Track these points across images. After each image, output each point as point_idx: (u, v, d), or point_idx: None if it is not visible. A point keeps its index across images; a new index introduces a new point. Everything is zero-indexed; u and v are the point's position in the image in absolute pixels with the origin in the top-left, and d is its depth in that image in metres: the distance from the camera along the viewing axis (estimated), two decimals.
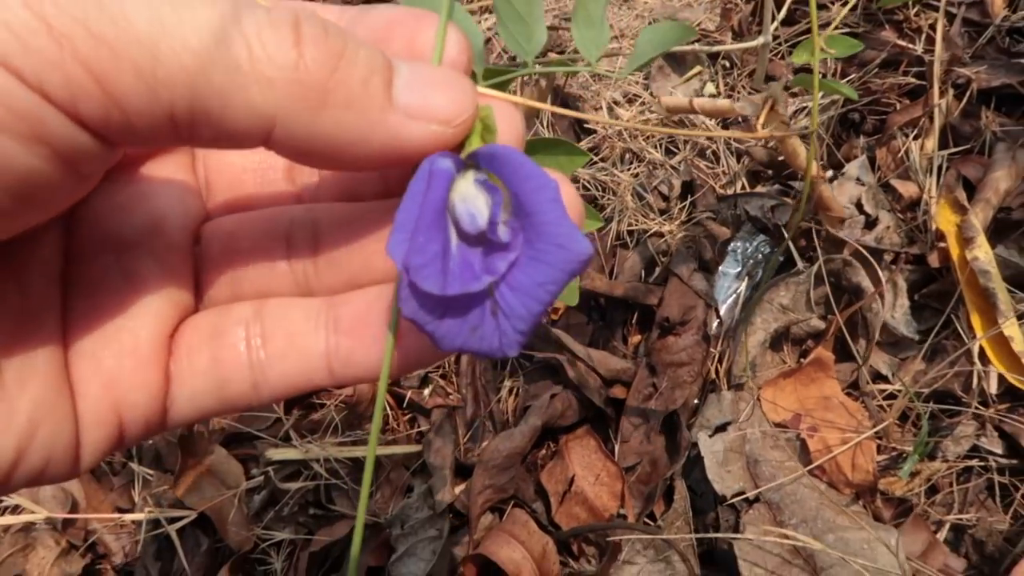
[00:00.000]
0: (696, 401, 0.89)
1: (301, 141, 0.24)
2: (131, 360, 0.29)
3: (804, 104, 1.10)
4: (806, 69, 1.10)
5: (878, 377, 0.87)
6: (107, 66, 0.21)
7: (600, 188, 1.08)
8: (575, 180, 1.08)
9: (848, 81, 1.12)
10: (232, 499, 0.94)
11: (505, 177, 0.26)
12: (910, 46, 1.14)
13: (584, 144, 1.14)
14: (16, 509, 0.97)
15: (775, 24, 1.01)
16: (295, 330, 0.30)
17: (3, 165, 0.21)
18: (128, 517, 0.96)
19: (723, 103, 0.84)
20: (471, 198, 0.27)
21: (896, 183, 0.98)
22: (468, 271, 0.26)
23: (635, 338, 0.97)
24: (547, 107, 0.39)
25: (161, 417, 0.30)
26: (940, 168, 0.97)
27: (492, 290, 0.27)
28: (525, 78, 1.20)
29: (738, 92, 1.14)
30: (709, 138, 1.10)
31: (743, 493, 0.79)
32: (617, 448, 0.86)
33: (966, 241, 0.86)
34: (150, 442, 1.03)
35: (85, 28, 0.20)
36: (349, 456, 0.93)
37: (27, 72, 0.20)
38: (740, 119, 1.13)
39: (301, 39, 0.23)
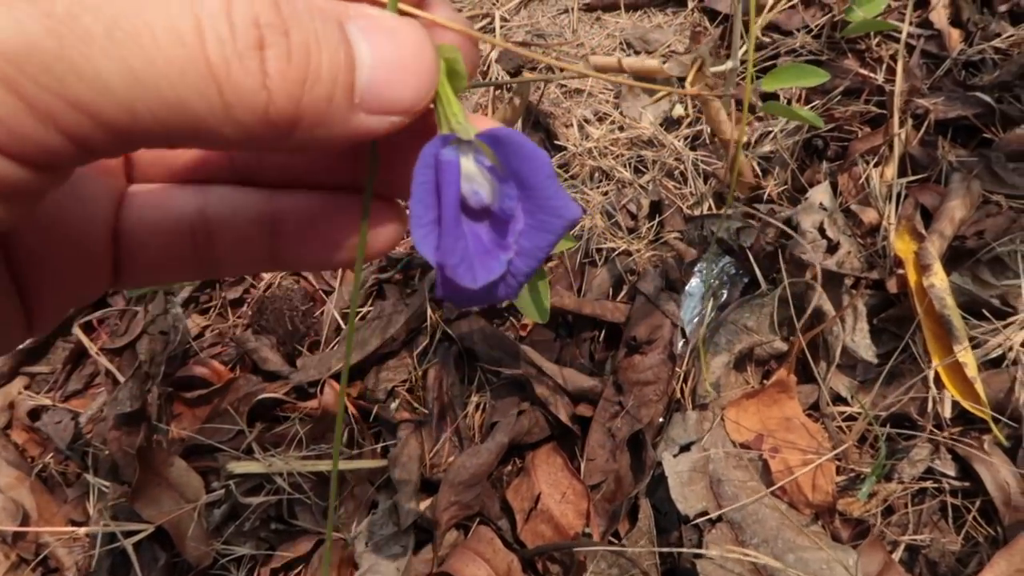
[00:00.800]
0: (661, 420, 0.90)
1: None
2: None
3: (769, 128, 1.13)
4: (773, 96, 1.13)
5: (838, 399, 0.89)
6: (85, 130, 0.21)
7: None
8: None
9: (812, 107, 1.15)
10: (191, 513, 0.92)
11: (505, 157, 0.28)
12: (871, 75, 1.17)
13: (554, 161, 1.15)
14: None
15: (743, 49, 1.03)
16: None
17: None
18: (82, 531, 0.94)
19: (652, 62, 0.85)
20: (475, 179, 0.29)
21: (857, 209, 1.01)
22: (485, 251, 0.29)
23: (602, 355, 0.98)
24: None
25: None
26: (899, 195, 1.00)
27: None
28: (498, 94, 1.21)
29: (704, 116, 1.16)
30: (677, 159, 1.12)
31: (706, 513, 0.80)
32: (583, 466, 0.87)
33: (923, 268, 0.89)
34: (106, 452, 1.01)
35: (62, 98, 0.20)
36: (313, 470, 0.92)
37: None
38: (707, 139, 1.15)
39: (268, 73, 0.23)
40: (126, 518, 0.94)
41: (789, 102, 1.16)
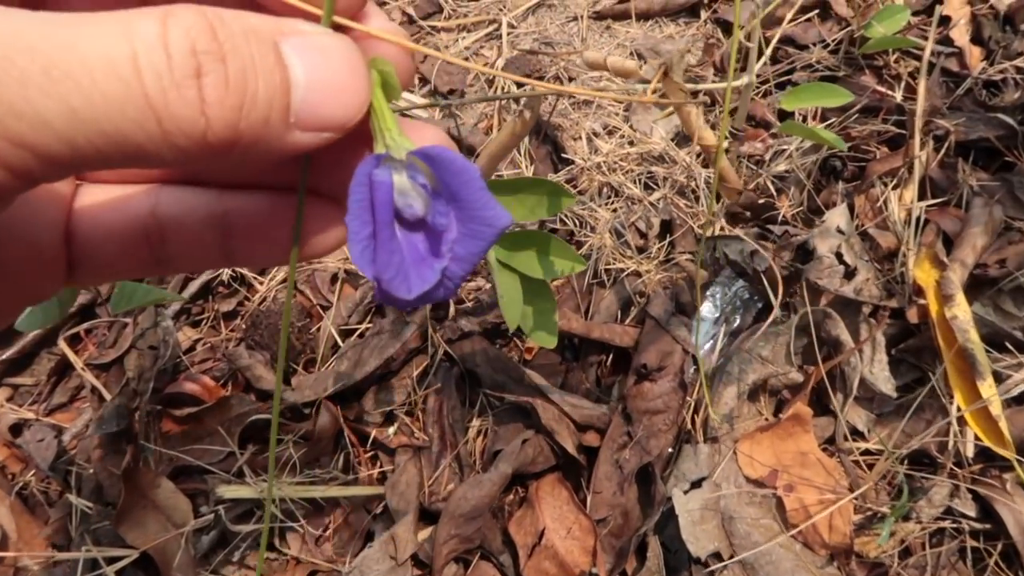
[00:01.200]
0: (671, 451, 0.87)
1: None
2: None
3: (784, 146, 1.09)
4: (790, 114, 1.10)
5: (855, 433, 0.86)
6: (27, 164, 0.22)
7: (578, 223, 1.05)
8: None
9: (828, 126, 1.11)
10: (178, 539, 0.88)
11: (437, 172, 0.30)
12: (890, 93, 1.14)
13: (562, 175, 1.12)
14: None
15: (760, 62, 0.99)
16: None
17: None
18: (63, 556, 0.90)
19: (630, 64, 0.82)
20: (409, 194, 0.30)
21: (874, 233, 0.98)
22: (420, 260, 0.31)
23: (609, 380, 0.95)
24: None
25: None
26: (918, 220, 0.97)
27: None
28: (505, 106, 1.17)
29: (718, 130, 1.12)
30: (689, 176, 1.08)
31: (717, 553, 0.76)
32: (589, 499, 0.83)
33: (945, 298, 0.86)
34: (90, 471, 0.97)
35: (3, 138, 0.21)
36: (306, 497, 0.89)
37: None
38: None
39: (205, 100, 0.23)
40: (110, 542, 0.90)
41: (804, 119, 1.13)
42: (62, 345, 1.07)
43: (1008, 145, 1.03)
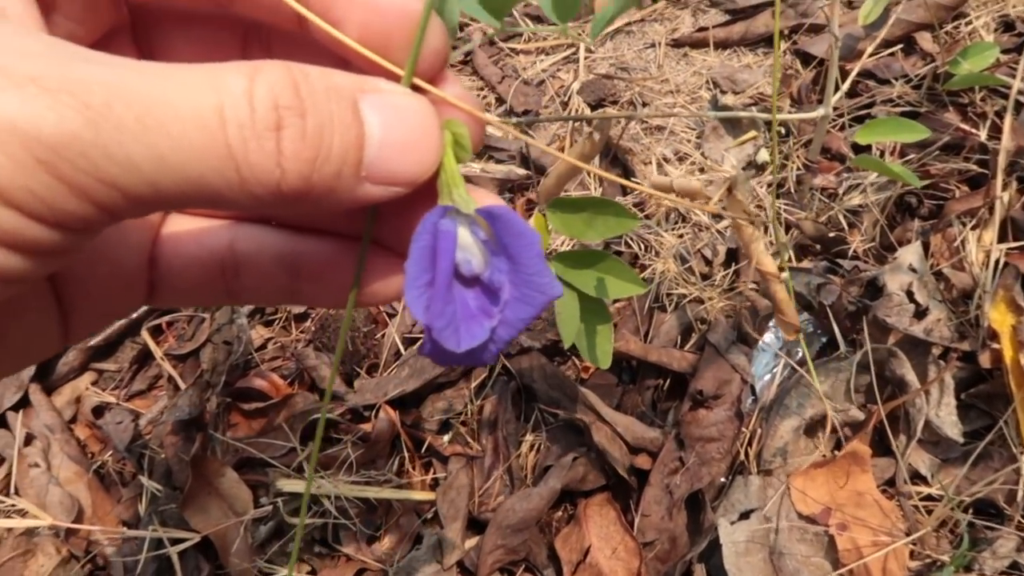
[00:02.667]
0: (723, 480, 0.86)
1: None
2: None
3: (859, 180, 1.08)
4: (865, 148, 1.08)
5: (916, 477, 0.84)
6: (115, 202, 0.23)
7: (643, 246, 1.06)
8: (618, 237, 1.06)
9: (906, 162, 1.09)
10: (237, 526, 0.92)
11: (499, 231, 0.31)
12: (973, 131, 1.11)
13: (629, 199, 1.12)
14: (22, 513, 0.96)
15: (837, 95, 0.98)
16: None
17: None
18: (131, 533, 0.95)
19: (695, 184, 0.81)
20: (469, 249, 0.31)
21: (949, 273, 0.95)
22: (471, 317, 0.32)
23: (665, 405, 0.95)
24: (589, 167, 0.37)
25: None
26: (997, 262, 0.94)
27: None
28: (576, 125, 1.19)
29: (792, 161, 1.11)
30: (759, 206, 1.07)
31: None
32: (637, 521, 0.83)
33: (1021, 344, 0.83)
34: (162, 456, 1.02)
35: (95, 178, 0.22)
36: (360, 496, 0.91)
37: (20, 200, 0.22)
38: (792, 188, 1.10)
39: (282, 152, 0.25)
40: (175, 524, 0.95)
41: (882, 154, 1.11)
42: (145, 336, 1.14)
43: None
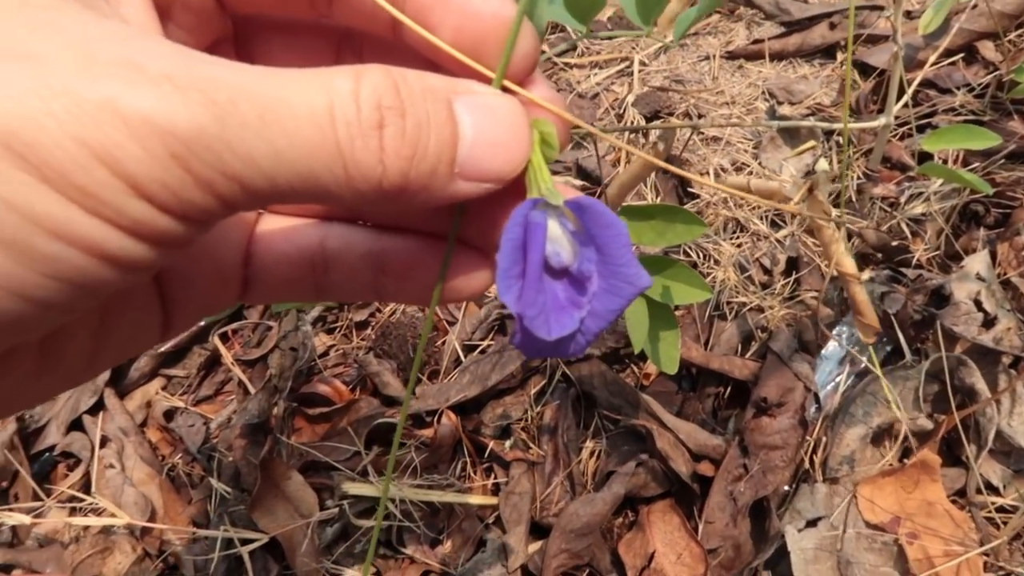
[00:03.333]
0: (787, 488, 0.86)
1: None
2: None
3: (922, 189, 1.07)
4: (929, 155, 1.07)
5: (989, 487, 0.82)
6: (234, 195, 0.25)
7: (702, 255, 1.06)
8: (677, 247, 1.07)
9: (971, 170, 1.08)
10: (304, 528, 0.94)
11: (587, 222, 0.31)
12: None
13: (688, 208, 1.13)
14: (99, 512, 1.00)
15: (899, 105, 0.98)
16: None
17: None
18: (203, 533, 0.98)
19: (773, 184, 0.81)
20: (558, 241, 0.32)
21: (1018, 282, 0.94)
22: (560, 307, 0.33)
23: (725, 413, 0.95)
24: (664, 166, 0.38)
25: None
26: None
27: None
28: (633, 139, 1.20)
29: (853, 171, 1.11)
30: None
31: None
32: (701, 528, 0.83)
33: None
34: (230, 459, 1.05)
35: (220, 171, 0.24)
36: (425, 500, 0.93)
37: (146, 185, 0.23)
38: (853, 197, 1.10)
39: (384, 150, 0.26)
40: (243, 524, 0.97)
41: (945, 163, 1.10)
42: (215, 342, 1.17)
43: None
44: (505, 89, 0.32)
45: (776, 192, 0.71)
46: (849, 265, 0.69)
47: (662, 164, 0.47)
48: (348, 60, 0.38)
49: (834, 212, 1.04)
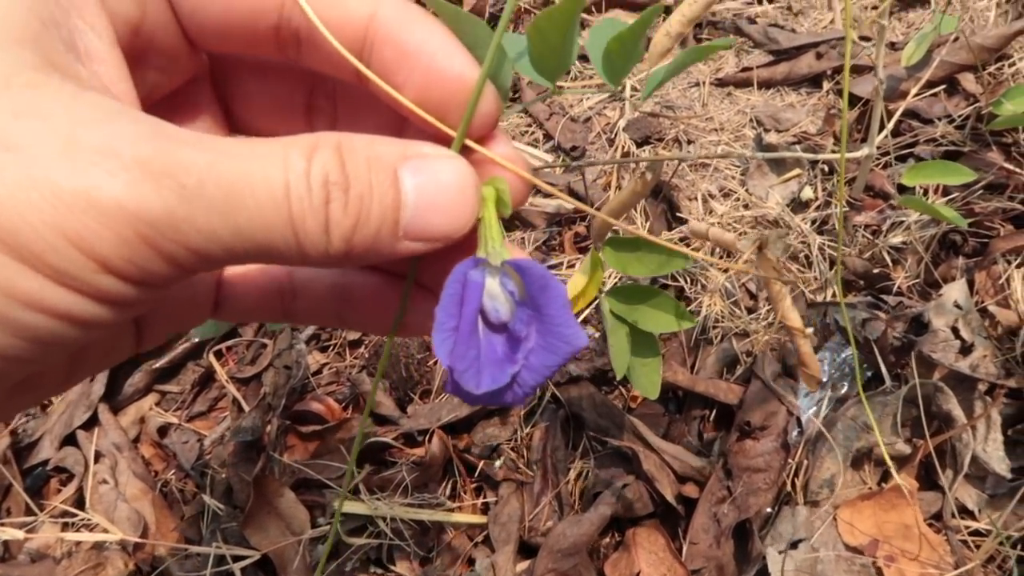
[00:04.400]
0: (769, 510, 0.88)
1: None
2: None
3: (903, 218, 1.10)
4: (911, 187, 1.10)
5: (964, 512, 0.85)
6: (193, 263, 0.27)
7: (689, 280, 1.08)
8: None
9: (950, 200, 1.11)
10: (296, 545, 0.96)
11: (527, 283, 0.33)
12: (1017, 171, 1.12)
13: (675, 234, 1.16)
14: (91, 527, 1.01)
15: (881, 135, 1.01)
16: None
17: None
18: (196, 549, 0.99)
19: (729, 237, 0.84)
20: (497, 298, 0.33)
21: (995, 310, 0.97)
22: (495, 362, 0.34)
23: (711, 435, 0.97)
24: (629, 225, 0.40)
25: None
26: None
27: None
28: (631, 168, 1.23)
29: (835, 199, 1.14)
30: (803, 242, 1.10)
31: None
32: (685, 549, 0.85)
33: None
34: (223, 475, 1.06)
35: (183, 247, 0.26)
36: (415, 518, 0.94)
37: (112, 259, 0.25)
38: (834, 224, 1.13)
39: (330, 222, 0.29)
40: (235, 541, 0.99)
41: (926, 193, 1.13)
42: (210, 359, 1.19)
43: None
44: (466, 147, 0.34)
45: (731, 244, 0.74)
46: (795, 320, 0.72)
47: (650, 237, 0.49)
48: (320, 102, 0.40)
49: (813, 239, 1.07)
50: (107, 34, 0.31)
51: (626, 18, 1.51)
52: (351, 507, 0.96)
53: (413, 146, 0.32)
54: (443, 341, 0.32)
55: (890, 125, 1.06)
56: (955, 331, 0.93)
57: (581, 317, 1.10)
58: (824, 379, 0.95)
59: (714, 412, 0.98)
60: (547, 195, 1.30)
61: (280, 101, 0.40)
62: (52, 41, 0.27)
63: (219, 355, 1.23)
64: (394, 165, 0.31)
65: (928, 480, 0.88)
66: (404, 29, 0.33)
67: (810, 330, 0.77)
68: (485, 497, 0.98)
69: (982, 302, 0.99)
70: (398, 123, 0.39)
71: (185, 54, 0.37)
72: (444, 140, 0.34)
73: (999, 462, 0.83)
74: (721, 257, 1.12)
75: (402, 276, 0.39)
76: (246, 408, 1.10)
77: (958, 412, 0.86)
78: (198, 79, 0.39)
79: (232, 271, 0.40)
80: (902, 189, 1.14)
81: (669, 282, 1.09)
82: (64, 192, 0.24)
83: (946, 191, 1.14)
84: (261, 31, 0.35)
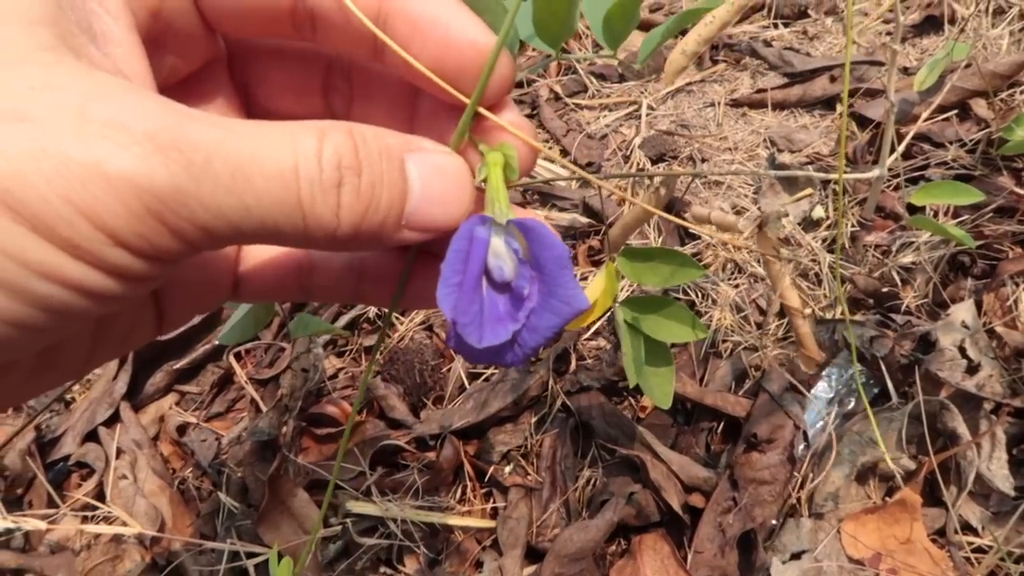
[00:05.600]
0: (774, 522, 0.89)
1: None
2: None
3: (912, 239, 1.11)
4: (920, 209, 1.12)
5: (967, 528, 0.85)
6: (202, 240, 0.28)
7: (701, 295, 1.10)
8: (677, 286, 1.11)
9: (960, 223, 1.12)
10: (308, 544, 0.98)
11: (532, 243, 0.34)
12: None
13: (688, 249, 1.18)
14: (111, 520, 1.04)
15: (892, 157, 1.03)
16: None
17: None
18: (211, 545, 1.01)
19: (731, 218, 0.85)
20: (502, 256, 0.34)
21: (1002, 331, 0.98)
22: (498, 319, 0.35)
23: (718, 448, 0.98)
24: (660, 214, 0.42)
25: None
26: None
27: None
28: (639, 181, 1.25)
29: (847, 219, 1.16)
30: (814, 259, 1.12)
31: None
32: (690, 557, 0.86)
33: None
34: (239, 474, 1.09)
35: (190, 222, 0.27)
36: (425, 521, 0.96)
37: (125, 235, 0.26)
38: (846, 243, 1.14)
39: (341, 206, 0.30)
40: (249, 539, 1.01)
41: (936, 214, 1.15)
42: (230, 360, 1.22)
43: None
44: (477, 114, 0.35)
45: (732, 225, 0.76)
46: (793, 299, 0.73)
47: (658, 212, 0.52)
48: (336, 81, 0.41)
49: (784, 251, 1.09)
50: (124, 18, 0.32)
51: None
52: (363, 508, 0.98)
53: (415, 140, 0.34)
54: (447, 295, 0.33)
55: (901, 148, 1.08)
56: (962, 350, 0.95)
57: (593, 329, 1.12)
58: (831, 394, 0.97)
59: (722, 425, 0.99)
60: (562, 209, 1.33)
61: (297, 82, 0.41)
62: (68, 23, 0.28)
63: (238, 357, 1.26)
64: (402, 157, 0.33)
65: (932, 496, 0.89)
66: (416, 1, 0.34)
67: (808, 310, 0.77)
68: (494, 502, 1.00)
69: (990, 323, 1.01)
70: (411, 100, 0.40)
71: (203, 38, 0.38)
72: (458, 107, 0.35)
73: (1003, 480, 0.84)
74: (724, 246, 1.14)
75: (417, 249, 0.40)
76: (264, 408, 1.13)
77: (963, 430, 0.88)
78: (215, 63, 0.40)
79: (250, 251, 0.41)
80: (912, 210, 1.15)
81: (680, 296, 1.11)
82: (75, 164, 0.24)
83: (956, 213, 1.16)
84: (277, 13, 0.36)
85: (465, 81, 0.35)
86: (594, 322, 1.10)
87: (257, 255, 0.41)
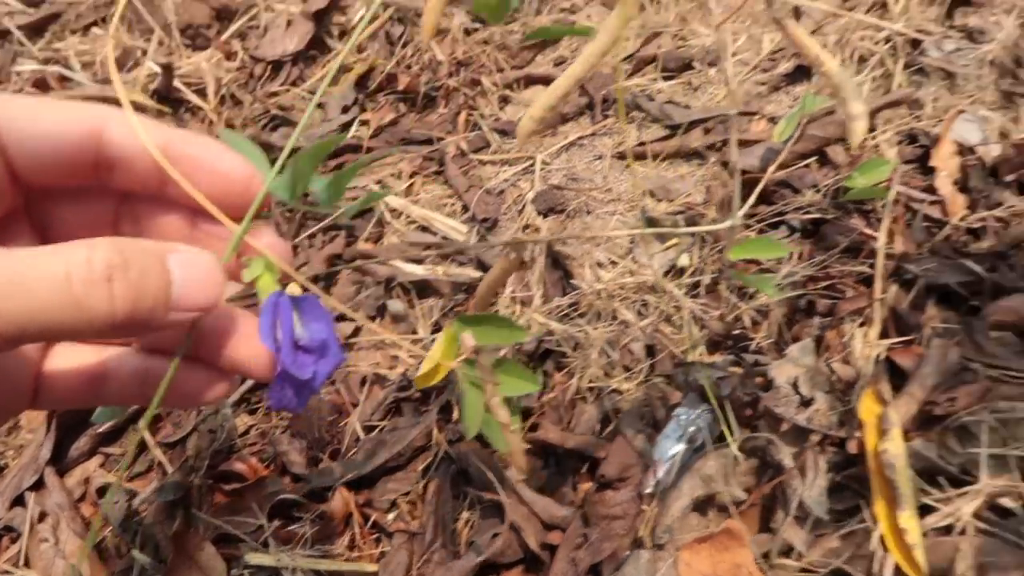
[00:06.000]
0: (627, 553, 0.97)
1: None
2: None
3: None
4: (754, 262, 1.21)
5: (792, 551, 0.94)
6: None
7: (572, 344, 1.20)
8: (550, 333, 1.21)
9: (810, 263, 1.22)
10: None
11: (304, 312, 0.50)
12: (873, 235, 1.24)
13: (567, 299, 1.27)
14: None
15: (745, 207, 1.13)
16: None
17: None
18: None
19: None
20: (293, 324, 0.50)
21: (838, 367, 1.07)
22: (304, 365, 0.49)
23: (585, 487, 1.07)
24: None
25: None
26: (878, 357, 1.06)
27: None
28: (527, 231, 1.35)
29: (708, 266, 1.25)
30: (676, 306, 1.21)
31: None
32: None
33: (881, 432, 0.94)
34: (151, 532, 1.17)
35: None
36: (315, 568, 1.05)
37: None
38: (704, 289, 1.24)
39: (114, 296, 0.37)
40: None
41: (790, 257, 1.24)
42: (141, 426, 1.30)
43: (975, 290, 1.11)
44: (243, 245, 0.50)
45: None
46: (504, 416, 0.70)
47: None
48: (126, 215, 0.52)
49: (685, 303, 1.18)
50: None
51: None
52: (259, 559, 1.07)
53: (171, 244, 0.44)
54: (269, 350, 0.49)
55: (752, 197, 1.18)
56: (795, 386, 1.04)
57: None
58: (680, 433, 1.06)
59: (587, 466, 1.08)
60: (461, 263, 1.43)
61: (91, 218, 0.51)
62: None
63: (157, 419, 1.34)
64: (162, 254, 0.42)
65: (766, 524, 0.98)
66: (190, 146, 0.47)
67: (515, 426, 0.67)
68: (383, 547, 1.08)
69: (831, 359, 1.10)
70: (191, 224, 0.51)
71: (7, 191, 0.46)
72: (232, 223, 0.48)
73: (819, 506, 0.93)
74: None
75: (197, 360, 0.51)
76: (170, 471, 1.21)
77: (788, 461, 0.97)
78: (14, 211, 0.48)
79: (51, 362, 0.50)
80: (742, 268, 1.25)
81: (553, 347, 1.20)
82: None
83: (810, 256, 1.26)
84: (83, 162, 0.47)
85: (233, 198, 0.48)
86: (439, 383, 1.19)
87: (56, 370, 0.51)
